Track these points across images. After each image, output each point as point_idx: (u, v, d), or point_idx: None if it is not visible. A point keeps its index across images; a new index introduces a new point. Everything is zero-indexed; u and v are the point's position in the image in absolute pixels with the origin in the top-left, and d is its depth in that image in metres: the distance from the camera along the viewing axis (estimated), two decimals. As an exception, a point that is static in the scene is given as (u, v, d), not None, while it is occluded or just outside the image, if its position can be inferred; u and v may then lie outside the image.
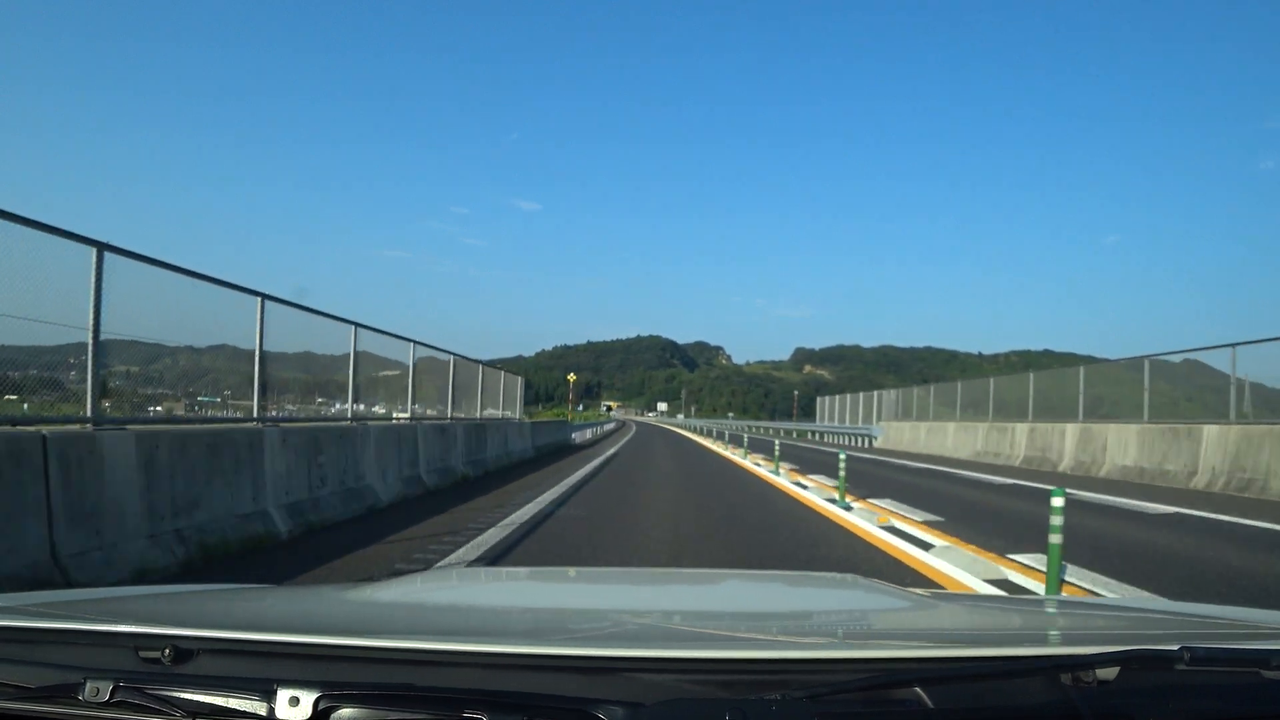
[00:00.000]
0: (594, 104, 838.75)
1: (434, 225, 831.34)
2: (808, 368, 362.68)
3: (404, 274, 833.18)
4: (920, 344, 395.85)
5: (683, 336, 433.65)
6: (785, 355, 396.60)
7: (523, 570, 3.26)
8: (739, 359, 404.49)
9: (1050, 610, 2.07)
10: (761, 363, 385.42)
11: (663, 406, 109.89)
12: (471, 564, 5.96)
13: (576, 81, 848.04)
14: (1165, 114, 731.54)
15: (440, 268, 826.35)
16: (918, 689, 0.97)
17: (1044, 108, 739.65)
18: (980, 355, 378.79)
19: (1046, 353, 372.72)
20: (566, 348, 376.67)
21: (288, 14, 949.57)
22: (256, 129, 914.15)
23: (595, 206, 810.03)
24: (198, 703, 0.97)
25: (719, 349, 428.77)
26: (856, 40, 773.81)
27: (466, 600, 1.88)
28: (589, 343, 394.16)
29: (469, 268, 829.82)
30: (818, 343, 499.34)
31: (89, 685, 0.97)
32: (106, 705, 0.97)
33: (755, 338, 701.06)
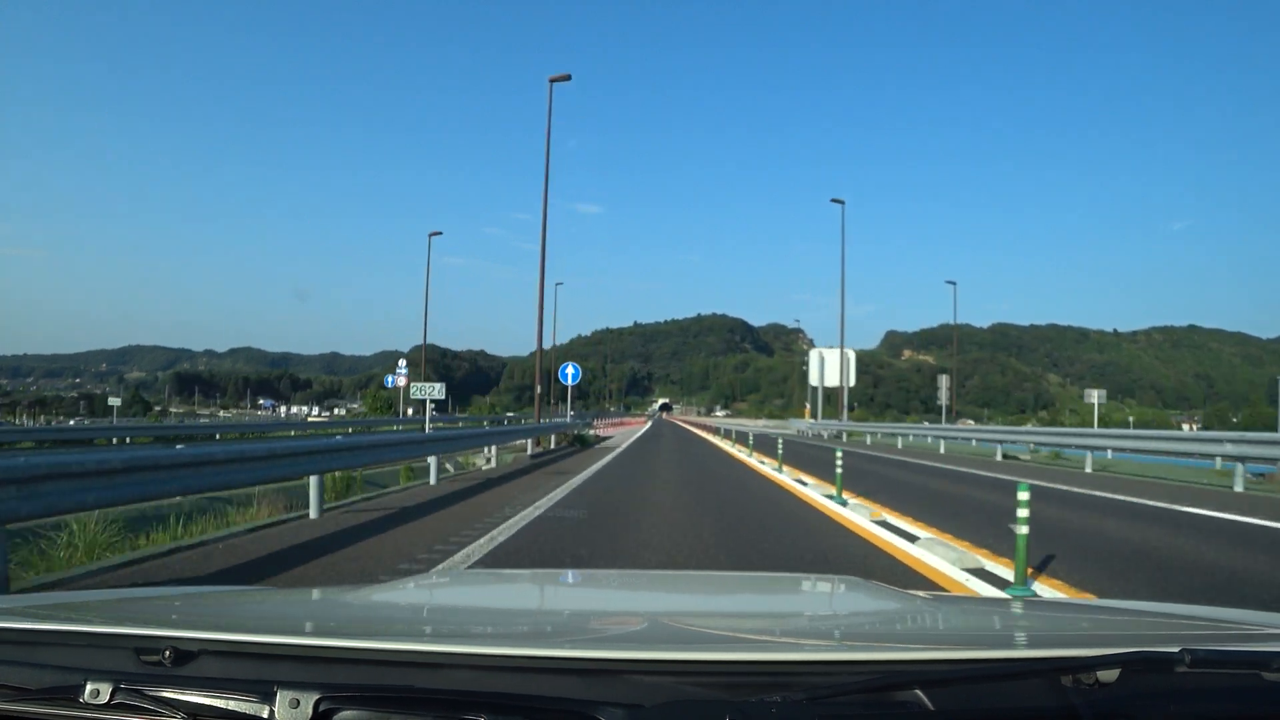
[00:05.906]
0: (646, 98, 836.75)
1: (492, 232, 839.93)
2: (907, 353, 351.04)
3: (462, 279, 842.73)
4: (1042, 321, 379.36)
5: (754, 318, 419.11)
6: (873, 342, 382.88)
7: (523, 572, 3.46)
8: (820, 345, 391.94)
9: (1050, 612, 2.14)
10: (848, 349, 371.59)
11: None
12: None
13: (629, 78, 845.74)
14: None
15: (496, 274, 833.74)
16: (918, 691, 1.07)
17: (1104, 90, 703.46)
18: (1116, 333, 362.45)
19: (1193, 328, 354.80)
20: (607, 331, 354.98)
21: (325, 39, 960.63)
22: (313, 135, 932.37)
23: (654, 199, 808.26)
24: (198, 704, 1.10)
25: (798, 332, 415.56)
26: (934, 27, 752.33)
27: (467, 602, 2.03)
28: (635, 324, 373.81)
29: (526, 272, 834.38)
30: (908, 325, 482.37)
31: (89, 687, 1.11)
32: (107, 707, 1.10)
33: (831, 324, 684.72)
